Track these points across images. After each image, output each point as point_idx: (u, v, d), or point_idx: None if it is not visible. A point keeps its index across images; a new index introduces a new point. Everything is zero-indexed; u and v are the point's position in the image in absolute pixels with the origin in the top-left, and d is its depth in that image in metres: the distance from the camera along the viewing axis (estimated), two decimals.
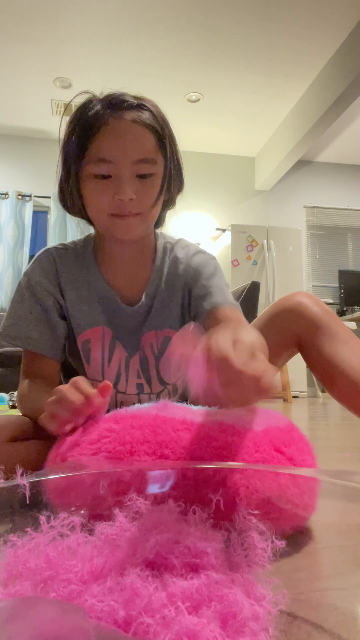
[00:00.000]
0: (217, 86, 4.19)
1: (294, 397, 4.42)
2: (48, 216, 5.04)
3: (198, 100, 4.40)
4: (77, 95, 0.82)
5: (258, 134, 5.01)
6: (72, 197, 0.83)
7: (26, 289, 0.89)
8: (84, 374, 0.94)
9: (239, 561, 0.34)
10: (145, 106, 0.79)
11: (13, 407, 2.46)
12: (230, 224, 4.77)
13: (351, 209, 5.56)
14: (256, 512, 0.40)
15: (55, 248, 0.93)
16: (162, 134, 0.80)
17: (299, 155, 4.72)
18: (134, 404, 0.96)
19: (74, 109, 0.82)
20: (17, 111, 4.51)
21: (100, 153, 0.76)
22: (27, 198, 4.80)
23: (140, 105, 0.78)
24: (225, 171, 5.39)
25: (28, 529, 0.36)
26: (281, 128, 4.79)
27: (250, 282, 2.94)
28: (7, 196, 4.79)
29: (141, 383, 0.94)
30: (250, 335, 0.45)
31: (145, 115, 0.78)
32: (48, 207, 5.00)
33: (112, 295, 0.91)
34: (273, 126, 4.86)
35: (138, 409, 0.61)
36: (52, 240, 4.82)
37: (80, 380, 0.60)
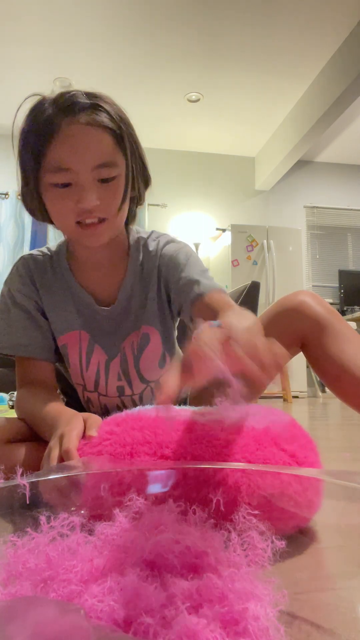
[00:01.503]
0: (217, 86, 4.18)
1: (294, 397, 4.42)
2: None
3: (198, 100, 4.40)
4: (26, 99, 0.76)
5: (258, 134, 5.01)
6: (35, 206, 0.81)
7: (8, 298, 0.89)
8: (69, 377, 0.95)
9: (239, 561, 0.34)
10: (100, 105, 0.73)
11: (13, 407, 2.46)
12: (230, 224, 4.77)
13: (351, 209, 5.56)
14: (256, 512, 0.40)
15: (30, 255, 0.93)
16: (120, 133, 0.75)
17: (299, 155, 4.72)
18: (116, 405, 0.96)
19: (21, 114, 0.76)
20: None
21: (57, 162, 0.72)
22: None
23: (94, 105, 0.73)
24: (225, 171, 5.39)
25: (28, 529, 0.36)
26: (281, 128, 4.79)
27: (250, 282, 2.94)
28: (7, 196, 4.79)
29: (122, 385, 0.93)
30: (247, 319, 0.50)
31: (101, 116, 0.73)
32: None
33: (88, 298, 0.90)
34: (273, 126, 4.86)
35: (139, 410, 0.61)
36: (52, 240, 4.81)
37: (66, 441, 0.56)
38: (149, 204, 5.06)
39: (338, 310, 5.05)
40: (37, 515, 0.37)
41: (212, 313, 0.78)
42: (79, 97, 0.73)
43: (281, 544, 0.36)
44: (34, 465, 0.67)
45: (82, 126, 0.72)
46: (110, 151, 0.74)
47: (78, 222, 0.77)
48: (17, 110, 0.77)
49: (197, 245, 4.97)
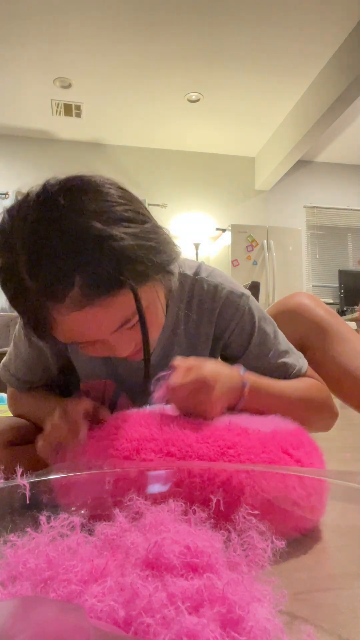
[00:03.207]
0: (217, 86, 4.18)
1: None
2: None
3: (198, 100, 4.39)
4: None
5: (258, 134, 5.01)
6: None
7: (23, 327, 0.77)
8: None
9: (239, 561, 0.34)
10: (89, 264, 0.51)
11: None
12: (230, 224, 4.77)
13: (351, 209, 5.55)
14: (256, 512, 0.39)
15: None
16: (132, 271, 0.54)
17: (299, 155, 4.72)
18: None
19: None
20: (17, 111, 4.51)
21: (68, 339, 0.58)
22: None
23: (84, 275, 0.51)
24: (225, 171, 5.38)
25: (28, 529, 0.36)
26: (281, 128, 4.78)
27: (250, 282, 2.94)
28: (7, 196, 4.78)
29: None
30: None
31: (92, 283, 0.52)
32: None
33: None
34: (273, 126, 4.85)
35: (148, 409, 0.61)
36: None
37: (72, 409, 0.58)
38: (149, 204, 5.06)
39: (338, 310, 5.06)
40: (37, 515, 0.37)
41: None
42: (60, 275, 0.51)
43: (281, 544, 0.36)
44: (32, 469, 0.67)
45: (78, 313, 0.53)
46: (125, 306, 0.56)
47: None
48: None
49: (197, 245, 4.97)
